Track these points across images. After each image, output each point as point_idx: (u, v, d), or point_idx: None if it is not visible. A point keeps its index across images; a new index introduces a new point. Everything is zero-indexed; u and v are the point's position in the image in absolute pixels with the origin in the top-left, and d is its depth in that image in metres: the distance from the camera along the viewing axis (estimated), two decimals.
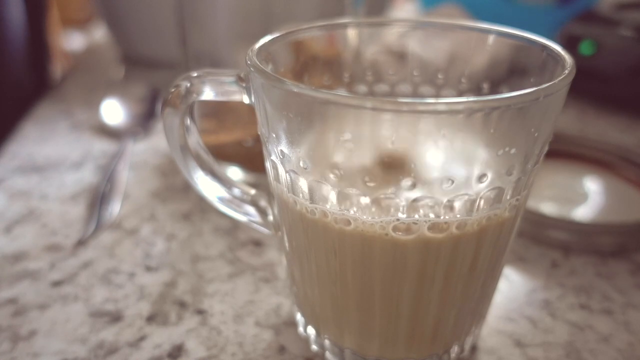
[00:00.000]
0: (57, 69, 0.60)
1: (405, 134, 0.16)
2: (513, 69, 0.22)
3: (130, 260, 0.30)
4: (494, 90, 0.23)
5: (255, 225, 0.24)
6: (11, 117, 0.48)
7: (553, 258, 0.30)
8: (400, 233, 0.18)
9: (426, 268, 0.19)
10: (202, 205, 0.34)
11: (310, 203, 0.19)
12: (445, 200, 0.17)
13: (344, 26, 0.24)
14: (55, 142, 0.44)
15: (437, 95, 0.25)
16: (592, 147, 0.38)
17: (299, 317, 0.24)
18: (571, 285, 0.28)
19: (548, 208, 0.33)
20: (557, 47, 0.20)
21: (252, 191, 0.24)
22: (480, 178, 0.17)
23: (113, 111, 0.47)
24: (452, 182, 0.17)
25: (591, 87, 0.50)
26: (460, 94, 0.24)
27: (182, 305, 0.26)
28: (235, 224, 0.33)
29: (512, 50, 0.22)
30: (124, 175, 0.38)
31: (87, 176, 0.38)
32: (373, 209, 0.18)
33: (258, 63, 0.18)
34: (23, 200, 0.35)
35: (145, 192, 0.36)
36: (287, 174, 0.19)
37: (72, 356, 0.23)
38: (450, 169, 0.17)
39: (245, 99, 0.21)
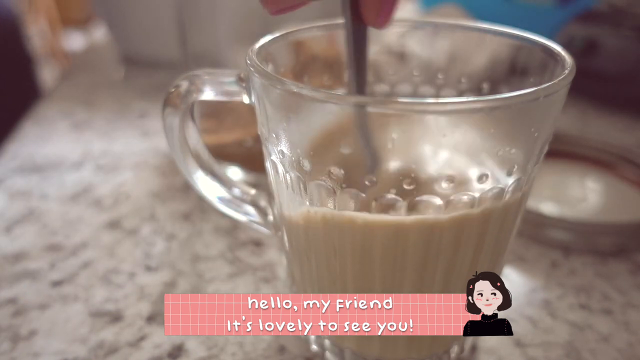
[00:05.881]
0: (50, 72, 0.60)
1: (406, 133, 0.16)
2: (513, 69, 0.22)
3: (130, 260, 0.30)
4: (494, 90, 0.23)
5: (255, 225, 0.24)
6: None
7: (553, 258, 0.30)
8: (400, 233, 0.18)
9: (426, 268, 0.19)
10: (202, 205, 0.34)
11: (310, 203, 0.19)
12: (445, 200, 0.17)
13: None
14: (55, 142, 0.44)
15: (437, 95, 0.25)
16: (592, 147, 0.38)
17: None
18: (571, 285, 0.28)
19: (548, 208, 0.33)
20: (557, 47, 0.20)
21: (252, 191, 0.24)
22: (481, 178, 0.17)
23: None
24: (452, 182, 0.17)
25: (591, 87, 0.50)
26: (460, 94, 0.24)
27: None
28: (235, 224, 0.33)
29: (512, 50, 0.22)
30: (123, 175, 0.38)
31: (87, 176, 0.38)
32: (373, 209, 0.18)
33: (258, 63, 0.18)
34: (23, 200, 0.35)
35: (145, 192, 0.36)
36: (287, 174, 0.19)
37: (72, 356, 0.23)
38: (451, 169, 0.17)
39: (245, 99, 0.21)
